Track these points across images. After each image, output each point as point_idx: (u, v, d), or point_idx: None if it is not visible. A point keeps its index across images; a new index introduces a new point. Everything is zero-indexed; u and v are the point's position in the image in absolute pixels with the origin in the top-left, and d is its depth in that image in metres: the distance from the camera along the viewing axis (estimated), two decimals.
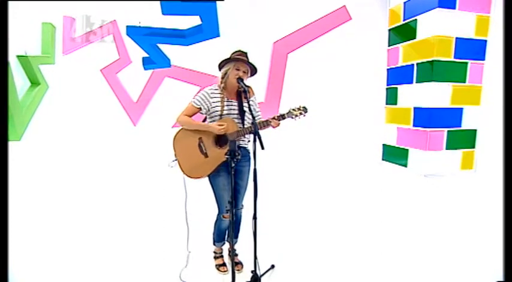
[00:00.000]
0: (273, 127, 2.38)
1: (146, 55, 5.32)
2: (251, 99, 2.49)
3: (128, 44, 5.53)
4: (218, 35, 5.11)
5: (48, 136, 5.51)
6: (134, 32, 5.14)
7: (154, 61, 5.31)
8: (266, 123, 2.35)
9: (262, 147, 2.07)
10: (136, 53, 5.44)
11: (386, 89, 5.79)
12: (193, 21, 5.12)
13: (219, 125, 2.36)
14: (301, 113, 2.39)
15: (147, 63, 5.35)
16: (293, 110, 2.40)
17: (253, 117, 2.19)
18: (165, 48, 5.36)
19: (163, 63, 5.36)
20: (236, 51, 2.48)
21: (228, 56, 2.45)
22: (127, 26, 5.14)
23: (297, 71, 5.57)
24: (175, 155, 2.48)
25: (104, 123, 5.62)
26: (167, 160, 2.51)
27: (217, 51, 5.02)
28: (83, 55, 5.58)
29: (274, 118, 2.36)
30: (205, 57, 5.11)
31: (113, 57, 5.70)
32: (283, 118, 2.38)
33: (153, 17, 5.09)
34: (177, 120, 2.46)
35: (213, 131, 2.38)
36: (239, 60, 2.39)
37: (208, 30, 5.04)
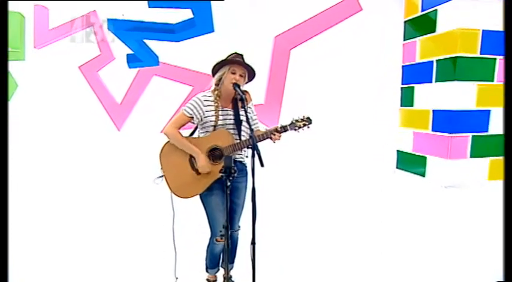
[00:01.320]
0: (273, 140, 2.36)
1: (131, 51, 5.25)
2: (248, 105, 2.44)
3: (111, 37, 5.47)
4: (212, 30, 5.07)
5: (17, 143, 5.42)
6: (116, 26, 5.07)
7: (141, 59, 5.25)
8: (266, 136, 2.33)
9: (262, 164, 2.02)
10: (121, 48, 5.38)
11: (402, 88, 5.74)
12: (184, 14, 5.07)
13: (205, 164, 2.33)
14: (305, 125, 2.39)
15: (132, 61, 5.29)
16: (296, 121, 2.39)
17: (251, 130, 2.15)
18: (153, 45, 5.30)
19: (151, 61, 5.30)
20: (231, 54, 2.44)
21: (222, 59, 2.40)
22: (108, 19, 5.07)
23: (300, 68, 5.51)
24: (162, 171, 2.43)
25: (84, 128, 5.54)
26: (155, 171, 2.46)
27: (211, 48, 5.04)
28: (58, 50, 5.48)
29: (276, 130, 2.33)
30: (198, 55, 5.06)
31: (93, 53, 5.63)
32: (285, 130, 2.37)
33: (139, 9, 5.03)
34: (165, 131, 2.41)
35: (197, 162, 2.35)
36: (234, 62, 2.35)
37: (201, 24, 4.99)
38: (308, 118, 2.41)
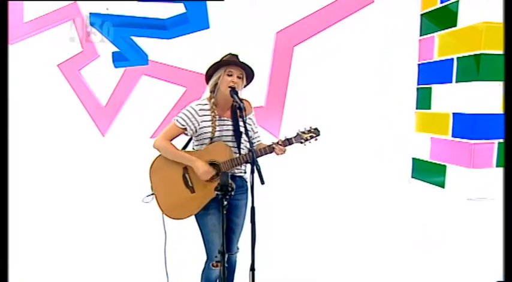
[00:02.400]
0: (277, 154, 2.34)
1: (117, 49, 5.20)
2: (248, 116, 2.44)
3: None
4: (207, 27, 5.01)
5: None
6: (100, 21, 5.01)
7: (128, 57, 5.19)
8: (268, 150, 2.34)
9: (262, 182, 2.03)
10: (105, 44, 5.33)
11: (418, 89, 5.70)
12: (176, 9, 5.01)
13: (207, 169, 2.30)
14: (312, 137, 2.40)
15: (118, 59, 5.21)
16: (302, 132, 2.40)
17: (251, 143, 2.13)
18: (142, 42, 5.24)
19: (139, 59, 5.24)
20: (225, 56, 2.42)
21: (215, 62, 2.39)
22: (90, 14, 5.00)
23: (305, 67, 5.47)
24: (151, 189, 2.41)
25: (64, 133, 5.49)
26: (144, 184, 2.44)
27: (206, 46, 4.99)
28: (34, 46, 5.41)
29: (278, 143, 2.33)
30: (191, 53, 5.03)
31: (74, 50, 5.58)
32: (290, 143, 2.38)
33: (125, 3, 4.97)
34: (155, 144, 2.39)
35: (196, 171, 2.32)
36: (230, 62, 2.33)
37: (195, 20, 4.93)
38: (316, 129, 2.42)
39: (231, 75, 2.33)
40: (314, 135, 2.39)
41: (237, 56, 2.43)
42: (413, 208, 4.88)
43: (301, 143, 2.38)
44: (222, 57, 2.43)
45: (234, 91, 2.28)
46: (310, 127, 2.41)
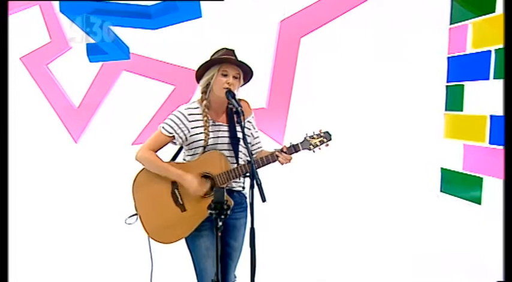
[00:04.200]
0: (281, 164, 2.37)
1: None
2: (247, 119, 2.45)
3: (66, 20, 5.39)
4: (200, 15, 5.01)
5: None
6: (72, 8, 4.99)
7: (105, 50, 5.17)
8: (271, 159, 2.35)
9: (263, 199, 2.03)
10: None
11: (447, 87, 5.68)
12: None
13: (199, 183, 2.32)
14: (322, 142, 2.42)
15: (93, 52, 5.16)
16: (311, 137, 2.42)
17: (250, 153, 2.14)
18: (122, 32, 5.24)
19: (119, 53, 5.23)
20: (219, 50, 2.44)
21: (208, 59, 2.41)
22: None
23: (314, 62, 5.49)
24: (135, 208, 2.42)
25: (28, 140, 5.49)
26: (125, 199, 2.45)
27: (198, 38, 4.99)
28: None
29: (282, 151, 2.33)
30: (181, 45, 5.02)
31: (41, 40, 5.60)
32: (296, 150, 2.40)
33: None
34: (137, 156, 2.40)
35: (187, 188, 2.33)
36: (224, 60, 2.35)
37: (185, 7, 4.92)
38: (326, 133, 2.44)
39: (226, 75, 2.34)
40: (325, 140, 2.41)
41: (233, 51, 2.44)
42: (442, 227, 4.87)
43: (310, 149, 2.41)
44: (215, 52, 2.45)
45: (230, 93, 2.28)
46: (320, 131, 2.42)
